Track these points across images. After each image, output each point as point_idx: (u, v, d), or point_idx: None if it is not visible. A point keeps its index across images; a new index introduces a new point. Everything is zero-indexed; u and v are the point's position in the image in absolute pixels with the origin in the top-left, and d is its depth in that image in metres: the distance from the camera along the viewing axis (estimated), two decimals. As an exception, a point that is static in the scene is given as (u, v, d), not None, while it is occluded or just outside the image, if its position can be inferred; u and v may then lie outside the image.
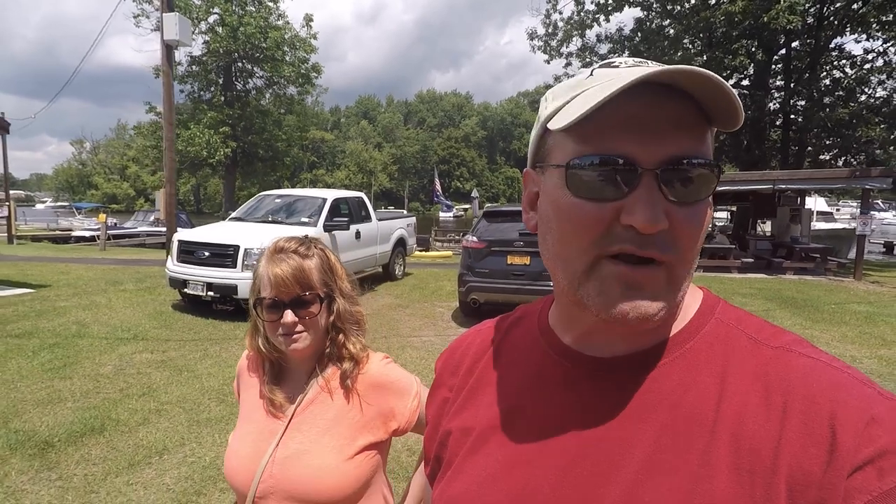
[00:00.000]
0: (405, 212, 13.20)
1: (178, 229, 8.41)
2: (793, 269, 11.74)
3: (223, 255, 6.59)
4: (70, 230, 25.55)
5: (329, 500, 0.99)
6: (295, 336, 1.03)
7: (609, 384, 0.51)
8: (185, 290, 6.73)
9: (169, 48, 9.09)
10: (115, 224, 24.55)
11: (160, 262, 11.85)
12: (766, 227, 17.27)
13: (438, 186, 31.28)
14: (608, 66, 0.50)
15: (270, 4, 20.69)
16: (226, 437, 3.35)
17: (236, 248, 6.51)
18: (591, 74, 0.49)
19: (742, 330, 0.51)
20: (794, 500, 0.41)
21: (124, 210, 45.46)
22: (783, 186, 12.26)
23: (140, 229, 20.88)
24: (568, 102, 0.47)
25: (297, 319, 1.02)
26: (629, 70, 0.47)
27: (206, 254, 6.69)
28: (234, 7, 19.63)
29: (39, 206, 47.36)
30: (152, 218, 21.13)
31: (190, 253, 6.80)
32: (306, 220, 7.68)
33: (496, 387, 0.59)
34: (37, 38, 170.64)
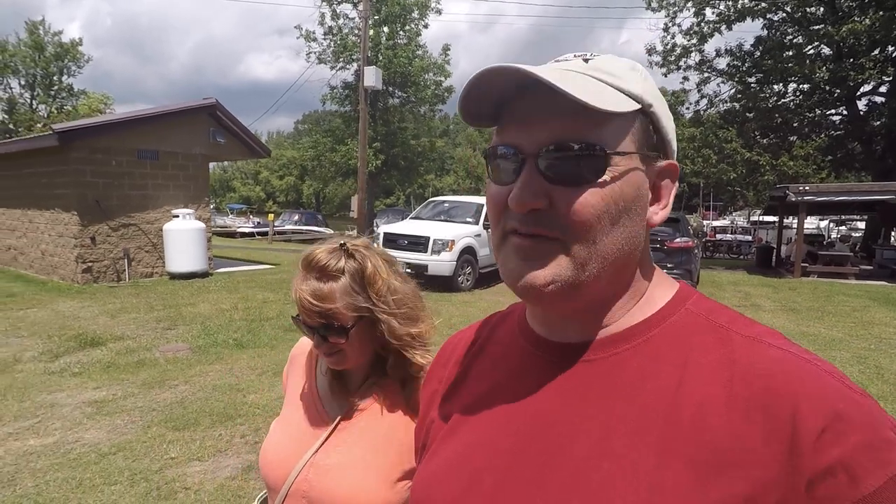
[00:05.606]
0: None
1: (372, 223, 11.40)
2: (917, 277, 11.98)
3: (417, 243, 9.33)
4: (227, 227, 30.72)
5: None
6: (329, 358, 0.95)
7: (569, 369, 0.52)
8: (391, 267, 9.57)
9: (366, 91, 12.24)
10: (259, 223, 28.60)
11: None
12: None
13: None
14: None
15: (413, 37, 24.32)
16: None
17: (427, 238, 9.20)
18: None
19: (712, 320, 0.50)
20: (753, 499, 0.40)
21: (256, 210, 50.59)
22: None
23: (286, 227, 24.22)
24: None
25: (325, 344, 0.93)
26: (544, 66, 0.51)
27: (405, 242, 9.48)
28: (383, 39, 23.41)
29: (205, 209, 56.19)
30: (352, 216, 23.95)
31: (392, 241, 9.65)
32: (470, 219, 10.22)
33: (477, 377, 0.61)
34: (188, 61, 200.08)
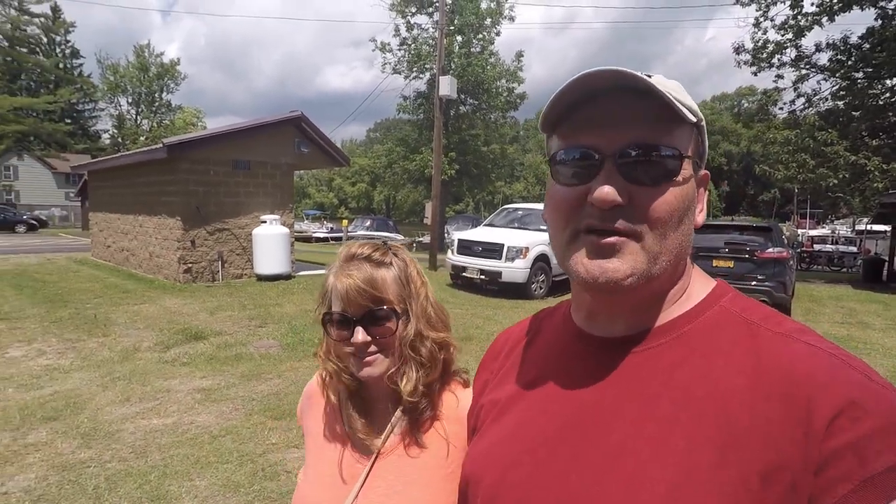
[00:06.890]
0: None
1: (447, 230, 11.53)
2: None
3: (492, 250, 9.36)
4: (303, 232, 32.21)
5: None
6: (368, 359, 0.87)
7: (609, 360, 0.56)
8: (464, 273, 9.68)
9: (441, 101, 12.48)
10: (333, 228, 29.63)
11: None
12: None
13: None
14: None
15: (486, 46, 24.53)
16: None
17: (501, 245, 9.21)
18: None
19: (745, 317, 0.53)
20: (768, 481, 0.43)
21: (330, 216, 52.05)
22: None
23: (359, 233, 24.61)
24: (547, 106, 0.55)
25: (369, 339, 0.86)
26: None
27: (480, 249, 9.55)
28: (456, 48, 23.79)
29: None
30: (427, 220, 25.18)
31: (467, 248, 9.75)
32: (543, 227, 10.00)
33: (525, 367, 0.67)
34: (270, 74, 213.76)
